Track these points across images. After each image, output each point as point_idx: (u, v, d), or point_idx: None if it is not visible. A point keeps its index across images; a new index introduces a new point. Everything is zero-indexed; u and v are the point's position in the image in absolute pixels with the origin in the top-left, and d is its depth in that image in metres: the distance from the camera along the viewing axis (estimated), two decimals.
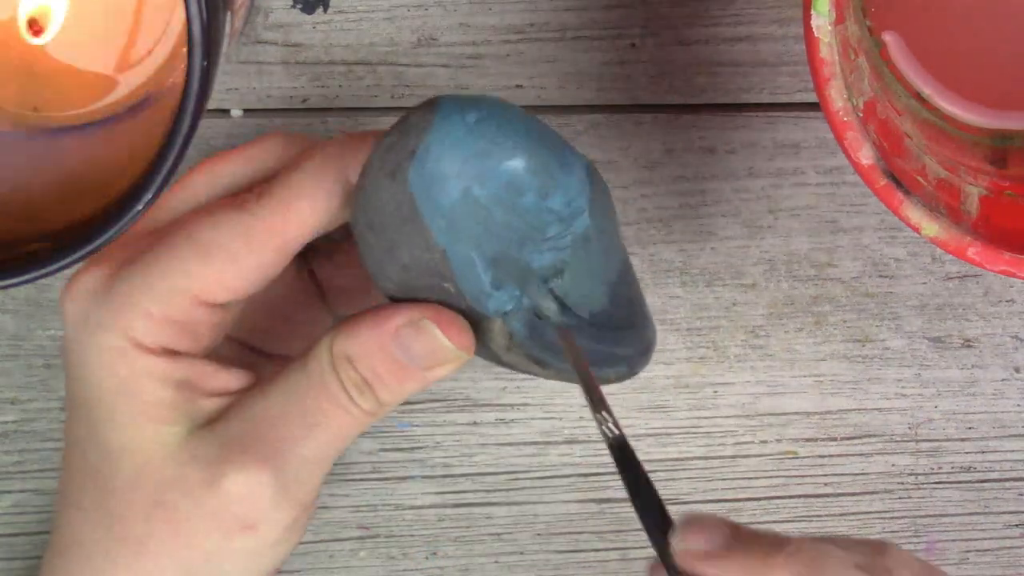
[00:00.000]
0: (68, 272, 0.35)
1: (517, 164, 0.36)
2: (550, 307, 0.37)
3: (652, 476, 0.48)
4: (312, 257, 0.43)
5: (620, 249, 0.39)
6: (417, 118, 0.35)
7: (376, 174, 0.36)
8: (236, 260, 0.36)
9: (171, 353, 0.36)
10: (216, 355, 0.38)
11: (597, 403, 0.36)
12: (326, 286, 0.43)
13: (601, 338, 0.38)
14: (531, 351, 0.37)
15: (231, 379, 0.38)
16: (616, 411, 0.47)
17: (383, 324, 0.36)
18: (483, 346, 0.37)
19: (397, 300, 0.37)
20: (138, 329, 0.36)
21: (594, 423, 0.36)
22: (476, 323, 0.37)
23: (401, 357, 0.36)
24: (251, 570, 0.38)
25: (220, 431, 0.37)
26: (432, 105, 0.36)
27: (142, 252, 0.37)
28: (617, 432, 0.36)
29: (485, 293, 0.36)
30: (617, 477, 0.48)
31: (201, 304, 0.36)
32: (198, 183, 0.38)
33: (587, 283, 0.38)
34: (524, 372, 0.38)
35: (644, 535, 0.48)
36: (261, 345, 0.41)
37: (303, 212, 0.36)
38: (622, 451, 0.36)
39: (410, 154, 0.35)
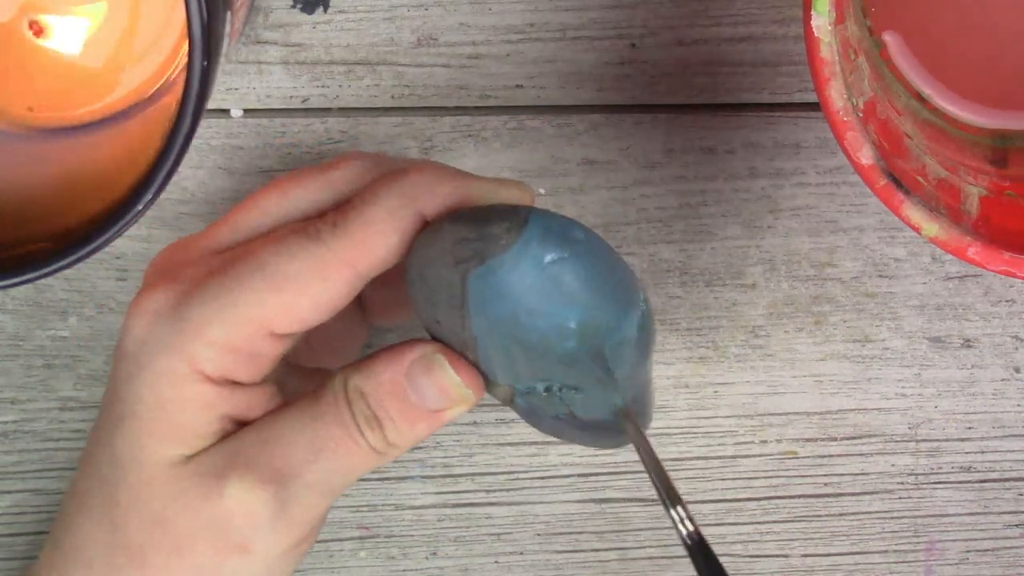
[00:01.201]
0: (68, 272, 0.35)
1: (571, 318, 0.36)
2: (558, 407, 0.38)
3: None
4: None
5: (644, 378, 0.39)
6: (500, 230, 0.35)
7: (442, 249, 0.35)
8: (308, 292, 0.36)
9: (229, 383, 0.36)
10: (268, 381, 0.38)
11: (673, 500, 0.34)
12: (367, 299, 0.42)
13: (592, 432, 0.38)
14: (526, 420, 0.38)
15: (267, 409, 0.38)
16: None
17: (397, 360, 0.36)
18: (490, 394, 0.38)
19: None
20: (202, 357, 0.36)
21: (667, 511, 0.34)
22: (486, 379, 0.37)
23: (411, 395, 0.36)
24: None
25: (225, 447, 0.37)
26: (519, 224, 0.35)
27: (212, 277, 0.36)
28: (694, 531, 0.34)
29: (500, 377, 0.37)
30: (617, 477, 0.48)
31: (269, 335, 0.36)
32: (271, 204, 0.38)
33: (598, 406, 0.38)
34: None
35: (644, 534, 0.48)
36: (299, 359, 0.41)
37: (376, 248, 0.36)
38: (703, 554, 0.33)
39: (479, 261, 0.35)
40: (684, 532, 0.34)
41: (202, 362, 0.36)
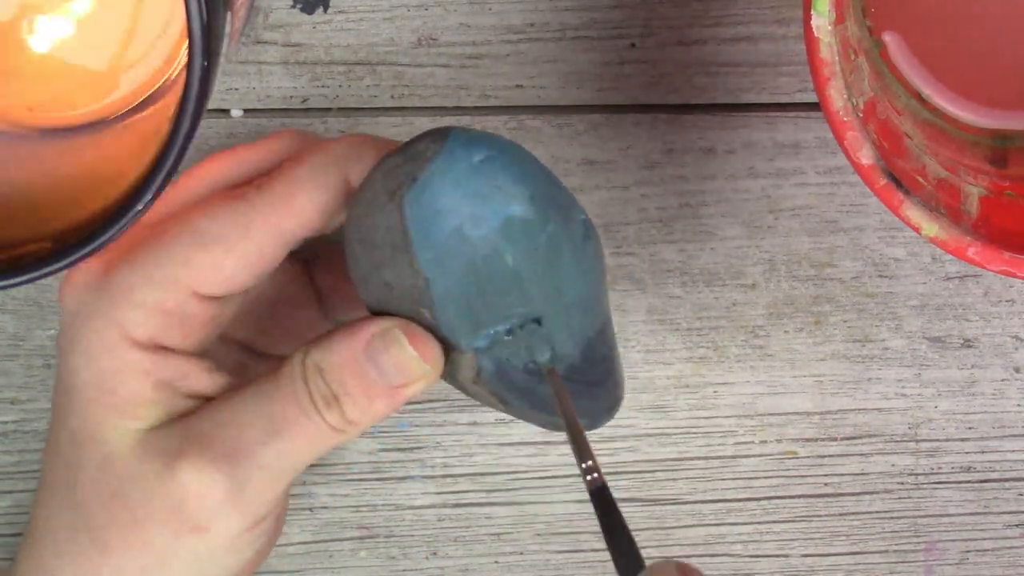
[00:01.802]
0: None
1: (514, 211, 0.36)
2: (523, 353, 0.37)
3: (652, 476, 0.48)
4: (312, 263, 0.42)
5: (603, 308, 0.39)
6: (424, 146, 0.35)
7: (375, 192, 0.35)
8: (233, 250, 0.36)
9: (160, 348, 0.36)
10: (208, 354, 0.38)
11: (584, 452, 0.36)
12: (324, 292, 0.43)
13: (570, 390, 0.38)
14: (496, 389, 0.37)
15: (212, 384, 0.37)
16: (616, 411, 0.47)
17: (356, 336, 0.36)
18: (451, 375, 0.37)
19: (377, 314, 0.37)
20: (130, 320, 0.36)
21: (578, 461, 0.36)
22: (447, 351, 0.37)
23: (370, 370, 0.36)
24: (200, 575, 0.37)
25: (182, 427, 0.37)
26: (441, 136, 0.35)
27: (139, 244, 0.37)
28: (599, 480, 0.36)
29: (461, 328, 0.36)
30: (617, 477, 0.48)
31: (195, 296, 0.36)
32: (201, 178, 0.38)
33: (562, 337, 0.38)
34: (486, 405, 0.38)
35: (644, 534, 0.48)
36: (256, 344, 0.41)
37: (301, 206, 0.36)
38: (603, 498, 0.36)
39: (411, 181, 0.35)
40: (590, 480, 0.36)
41: (131, 326, 0.36)
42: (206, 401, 0.38)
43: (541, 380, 0.38)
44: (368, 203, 0.36)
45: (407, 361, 0.36)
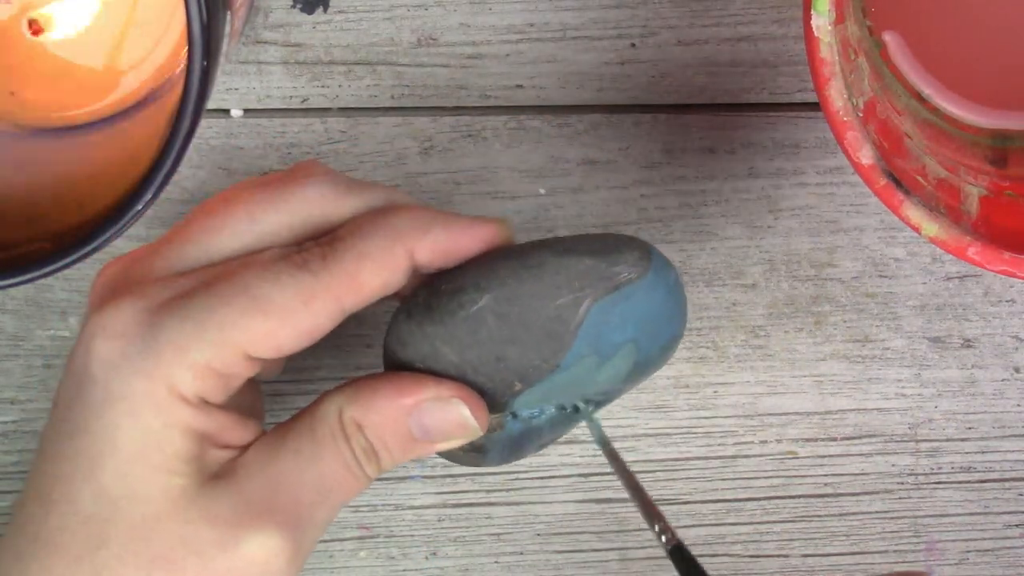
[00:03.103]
0: (68, 272, 0.35)
1: (677, 331, 0.37)
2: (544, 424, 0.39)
3: (652, 476, 0.48)
4: None
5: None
6: (632, 257, 0.36)
7: (545, 289, 0.35)
8: (293, 320, 0.36)
9: (204, 404, 0.36)
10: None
11: (654, 515, 0.37)
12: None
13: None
14: (499, 447, 0.38)
15: (245, 434, 0.37)
16: (616, 410, 0.47)
17: (402, 397, 0.37)
18: None
19: (398, 359, 0.37)
20: (180, 379, 0.35)
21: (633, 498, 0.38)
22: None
23: (415, 432, 0.37)
24: None
25: (234, 491, 0.36)
26: (645, 252, 0.36)
27: (188, 297, 0.36)
28: (675, 540, 0.37)
29: (531, 401, 0.37)
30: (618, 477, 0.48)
31: (246, 357, 0.36)
32: (240, 226, 0.37)
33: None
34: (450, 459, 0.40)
35: (644, 534, 0.48)
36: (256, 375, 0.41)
37: (365, 283, 0.36)
38: (682, 555, 0.36)
39: (610, 288, 0.35)
40: (665, 540, 0.36)
41: (180, 384, 0.35)
42: (236, 452, 0.37)
43: (531, 441, 0.39)
44: (536, 290, 0.36)
45: (461, 426, 0.37)
